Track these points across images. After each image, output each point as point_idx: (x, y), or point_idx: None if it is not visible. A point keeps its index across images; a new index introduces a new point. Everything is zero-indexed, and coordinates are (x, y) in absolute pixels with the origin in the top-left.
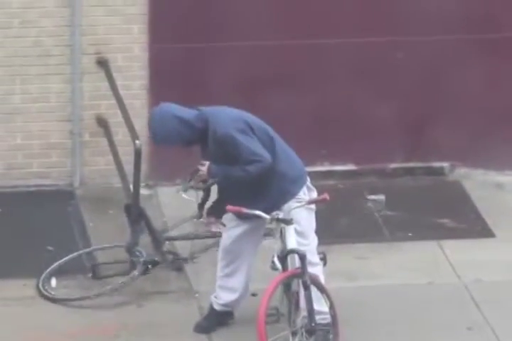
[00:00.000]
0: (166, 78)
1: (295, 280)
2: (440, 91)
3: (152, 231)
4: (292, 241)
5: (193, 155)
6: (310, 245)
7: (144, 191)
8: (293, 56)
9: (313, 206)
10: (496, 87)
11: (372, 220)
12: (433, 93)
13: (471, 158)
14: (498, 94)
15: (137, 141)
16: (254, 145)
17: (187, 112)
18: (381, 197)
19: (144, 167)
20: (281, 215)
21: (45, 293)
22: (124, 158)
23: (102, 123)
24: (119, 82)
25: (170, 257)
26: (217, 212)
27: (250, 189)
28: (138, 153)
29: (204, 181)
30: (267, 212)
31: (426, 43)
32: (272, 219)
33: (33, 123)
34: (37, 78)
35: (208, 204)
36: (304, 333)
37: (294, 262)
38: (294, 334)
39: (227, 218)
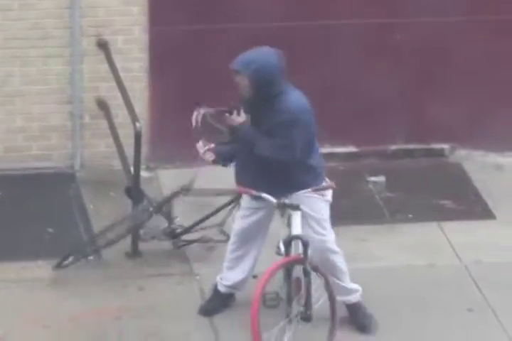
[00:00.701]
0: (166, 60)
1: (296, 266)
2: (440, 73)
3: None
4: (297, 228)
5: (192, 138)
6: (329, 235)
7: (144, 173)
8: (293, 38)
9: (329, 198)
10: (497, 68)
11: (373, 202)
12: (433, 75)
13: (471, 139)
14: (499, 76)
15: (137, 124)
16: (299, 141)
17: (281, 74)
18: (382, 178)
19: (144, 149)
20: (287, 201)
21: None
22: (124, 141)
23: (102, 105)
24: (119, 64)
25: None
26: (222, 154)
27: (269, 171)
28: (138, 136)
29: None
30: (275, 197)
31: (427, 24)
32: (278, 204)
33: (33, 106)
34: (37, 60)
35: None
36: (300, 320)
37: (297, 248)
38: (289, 321)
39: (243, 206)
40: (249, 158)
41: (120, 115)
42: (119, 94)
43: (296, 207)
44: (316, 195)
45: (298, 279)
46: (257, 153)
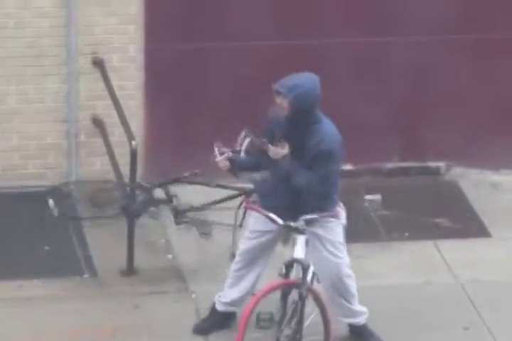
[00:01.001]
0: (162, 78)
1: (293, 290)
2: (435, 91)
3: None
4: (299, 251)
5: (187, 157)
6: (344, 258)
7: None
8: (288, 57)
9: (344, 221)
10: (491, 87)
11: (369, 220)
12: (428, 93)
13: (466, 157)
14: (493, 94)
15: (133, 142)
16: (334, 172)
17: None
18: (377, 196)
19: (139, 167)
20: (293, 223)
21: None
22: (120, 159)
23: (98, 123)
24: (114, 83)
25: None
26: (238, 164)
27: (295, 197)
28: (134, 154)
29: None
30: (291, 220)
31: (421, 43)
32: (284, 226)
33: (29, 124)
34: (33, 79)
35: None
36: None
37: (298, 272)
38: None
39: (250, 228)
40: (279, 185)
41: (116, 133)
42: (114, 112)
43: (301, 231)
44: (332, 219)
45: (295, 303)
46: (296, 184)
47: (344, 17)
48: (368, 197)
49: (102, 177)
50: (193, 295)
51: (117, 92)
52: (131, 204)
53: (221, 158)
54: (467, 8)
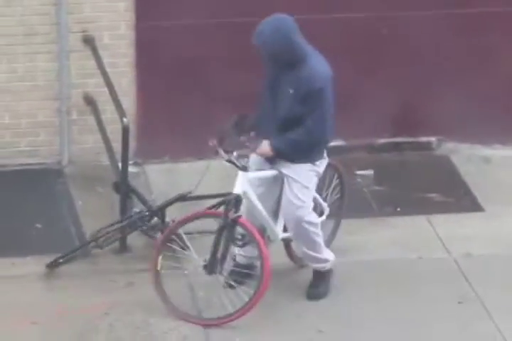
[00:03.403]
0: (153, 56)
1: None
2: (427, 67)
3: (146, 205)
4: (236, 186)
5: (179, 134)
6: (306, 203)
7: (132, 169)
8: None
9: (320, 169)
10: (483, 61)
11: (361, 195)
12: (419, 68)
13: (458, 132)
14: (485, 69)
15: (125, 119)
16: (328, 112)
17: (299, 37)
18: (370, 172)
19: (131, 145)
20: (233, 159)
21: None
22: (112, 136)
23: (90, 101)
24: (106, 60)
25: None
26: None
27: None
28: (126, 131)
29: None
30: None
31: (412, 18)
32: (226, 160)
33: (21, 102)
34: (23, 57)
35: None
36: (202, 270)
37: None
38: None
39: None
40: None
41: (108, 111)
42: (106, 90)
43: (242, 168)
44: (310, 165)
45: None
46: (298, 149)
47: None
48: (360, 172)
49: (94, 154)
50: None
51: (108, 70)
52: (122, 181)
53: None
54: None
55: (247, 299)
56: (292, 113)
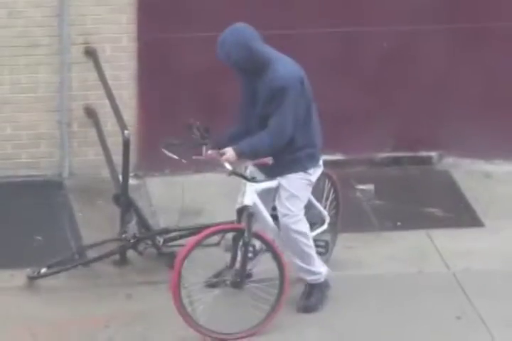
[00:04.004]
0: (155, 68)
1: (238, 234)
2: (427, 81)
3: (143, 221)
4: (247, 198)
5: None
6: (295, 212)
7: (132, 181)
8: (279, 47)
9: (312, 178)
10: (483, 76)
11: (361, 210)
12: (420, 82)
13: (458, 147)
14: (485, 83)
15: (126, 131)
16: (291, 111)
17: (260, 44)
18: (370, 186)
19: (132, 157)
20: (239, 170)
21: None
22: (112, 149)
23: (91, 113)
24: (107, 73)
25: (163, 248)
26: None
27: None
28: (126, 144)
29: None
30: (272, 176)
31: (412, 32)
32: (231, 172)
33: (22, 114)
34: (25, 68)
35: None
36: (229, 285)
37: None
38: (218, 283)
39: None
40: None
41: (109, 123)
42: (107, 102)
43: (249, 179)
44: (301, 174)
45: (240, 247)
46: (262, 150)
47: (324, 7)
48: (360, 186)
49: (94, 166)
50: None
51: (110, 82)
52: (123, 194)
53: (213, 155)
54: None
55: (265, 312)
56: (264, 115)
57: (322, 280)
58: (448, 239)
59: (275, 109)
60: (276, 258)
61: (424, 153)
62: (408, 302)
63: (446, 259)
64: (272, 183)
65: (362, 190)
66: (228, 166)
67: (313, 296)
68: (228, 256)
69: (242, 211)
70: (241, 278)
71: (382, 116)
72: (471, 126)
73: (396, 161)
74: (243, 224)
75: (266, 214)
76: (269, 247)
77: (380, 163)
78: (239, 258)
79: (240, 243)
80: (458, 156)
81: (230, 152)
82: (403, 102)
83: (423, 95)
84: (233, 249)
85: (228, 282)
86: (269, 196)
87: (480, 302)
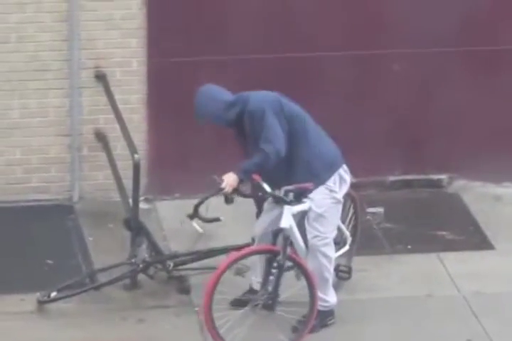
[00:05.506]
0: (165, 92)
1: (274, 257)
2: (438, 104)
3: (153, 245)
4: (284, 221)
5: (190, 171)
6: (325, 234)
7: (142, 205)
8: (288, 70)
9: (338, 196)
10: (494, 99)
11: (372, 233)
12: (431, 105)
13: (469, 170)
14: (496, 107)
15: (136, 155)
16: (275, 130)
17: (227, 95)
18: (380, 209)
19: (142, 181)
20: (277, 193)
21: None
22: (122, 172)
23: (101, 137)
24: (117, 96)
25: (173, 273)
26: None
27: (277, 171)
28: (137, 167)
29: (232, 193)
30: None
31: (424, 56)
32: (269, 194)
33: (32, 138)
34: (35, 93)
35: None
36: (262, 308)
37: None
38: (252, 308)
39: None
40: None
41: (119, 147)
42: (117, 126)
43: (287, 202)
44: (325, 191)
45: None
46: (264, 168)
47: (343, 30)
48: (371, 209)
49: (104, 190)
50: (196, 309)
51: (120, 106)
52: (133, 218)
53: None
54: (473, 20)
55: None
56: (257, 142)
57: (328, 310)
58: (458, 262)
59: (261, 131)
60: (309, 281)
61: (434, 176)
62: (419, 325)
63: (457, 282)
64: (305, 206)
65: (372, 213)
66: (267, 188)
67: (314, 326)
68: (243, 279)
69: (277, 233)
70: (273, 301)
71: (393, 139)
72: (482, 149)
73: (406, 184)
74: (278, 247)
75: (299, 237)
76: (303, 270)
77: (391, 186)
78: (271, 280)
79: (275, 265)
80: (468, 179)
81: (230, 177)
82: (414, 125)
83: (434, 118)
84: (265, 271)
85: (260, 304)
86: (301, 219)
87: (491, 325)
